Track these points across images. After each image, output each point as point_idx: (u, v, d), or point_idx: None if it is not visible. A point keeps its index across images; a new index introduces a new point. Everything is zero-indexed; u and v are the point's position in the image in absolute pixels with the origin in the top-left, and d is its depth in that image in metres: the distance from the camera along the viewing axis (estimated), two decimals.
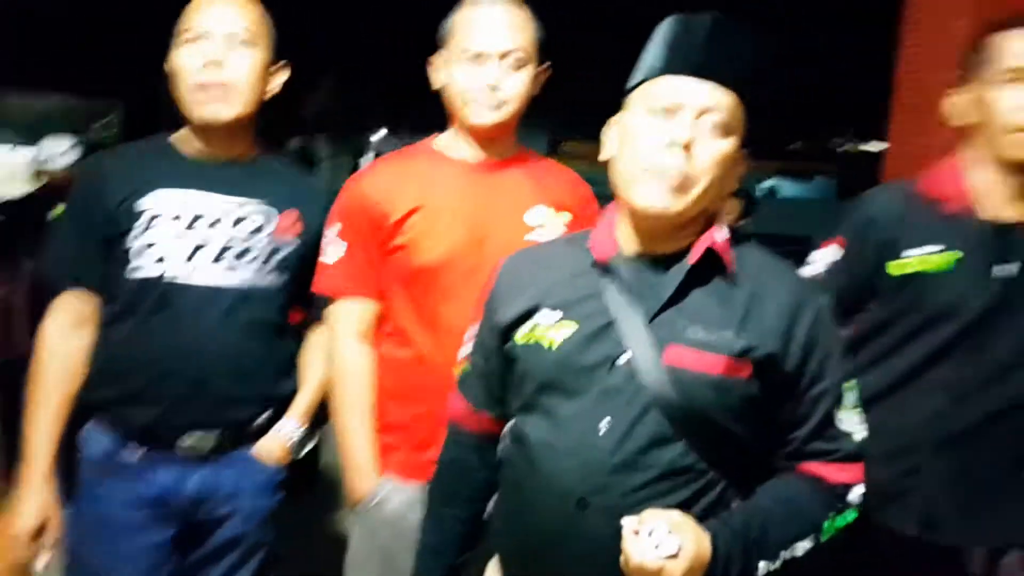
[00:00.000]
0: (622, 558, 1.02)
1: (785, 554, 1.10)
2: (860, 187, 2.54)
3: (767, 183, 13.15)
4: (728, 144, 1.13)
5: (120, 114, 10.35)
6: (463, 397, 1.34)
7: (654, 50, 1.16)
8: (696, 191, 1.11)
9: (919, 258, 1.47)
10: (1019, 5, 2.28)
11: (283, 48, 1.65)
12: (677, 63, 1.12)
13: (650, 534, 1.00)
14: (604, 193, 1.31)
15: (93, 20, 9.72)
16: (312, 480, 1.85)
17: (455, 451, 1.36)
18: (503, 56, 1.53)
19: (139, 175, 1.55)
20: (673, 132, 1.10)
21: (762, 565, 1.09)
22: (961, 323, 1.44)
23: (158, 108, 1.71)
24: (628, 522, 1.03)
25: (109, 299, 1.56)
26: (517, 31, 1.54)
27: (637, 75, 1.18)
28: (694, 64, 1.11)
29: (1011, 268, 1.46)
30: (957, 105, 1.57)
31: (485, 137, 1.60)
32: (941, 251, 1.45)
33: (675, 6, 1.23)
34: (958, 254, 1.45)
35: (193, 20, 1.54)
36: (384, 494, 1.55)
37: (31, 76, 9.85)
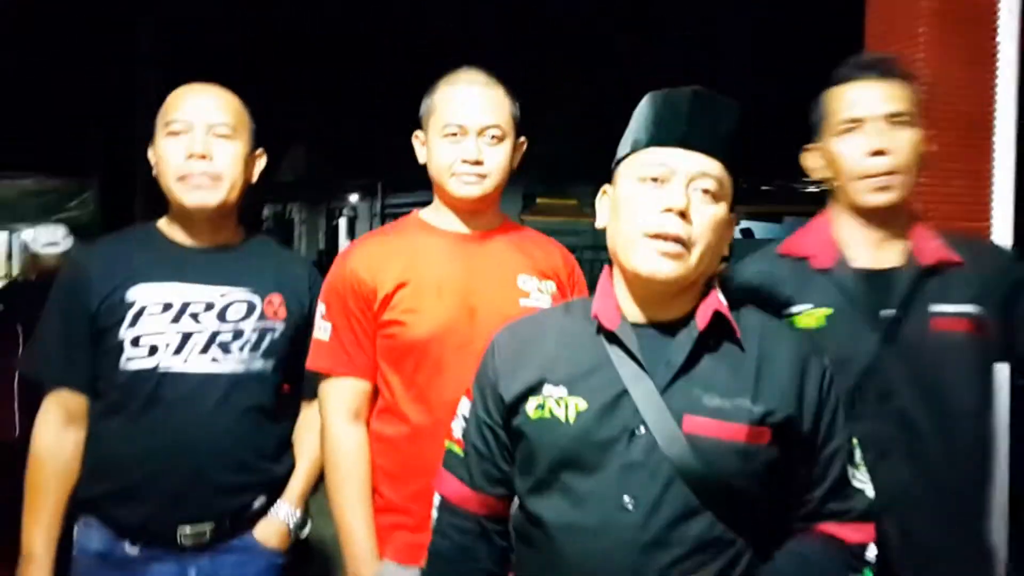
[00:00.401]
0: None
1: None
2: None
3: (741, 224, 13.40)
4: (720, 209, 1.15)
5: (95, 192, 10.33)
6: (459, 479, 1.28)
7: (639, 124, 1.19)
8: (695, 256, 1.13)
9: (797, 317, 1.48)
10: (966, 41, 2.41)
11: (255, 117, 1.68)
12: (663, 135, 1.15)
13: None
14: (578, 244, 1.33)
15: (64, 99, 9.82)
16: (306, 556, 1.80)
17: (455, 537, 1.27)
18: (482, 131, 1.57)
19: (123, 268, 1.56)
20: (669, 199, 1.12)
21: None
22: (854, 375, 1.41)
23: (133, 185, 1.71)
24: None
25: (100, 394, 1.55)
26: (495, 108, 1.59)
27: (623, 147, 1.20)
28: (680, 135, 1.14)
29: (889, 313, 1.46)
30: (811, 161, 1.63)
31: (469, 210, 1.63)
32: (811, 309, 1.48)
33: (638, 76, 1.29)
34: (828, 310, 1.46)
35: (175, 112, 1.58)
36: None
37: (2, 157, 9.86)
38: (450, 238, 1.63)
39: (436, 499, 1.31)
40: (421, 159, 1.65)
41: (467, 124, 1.56)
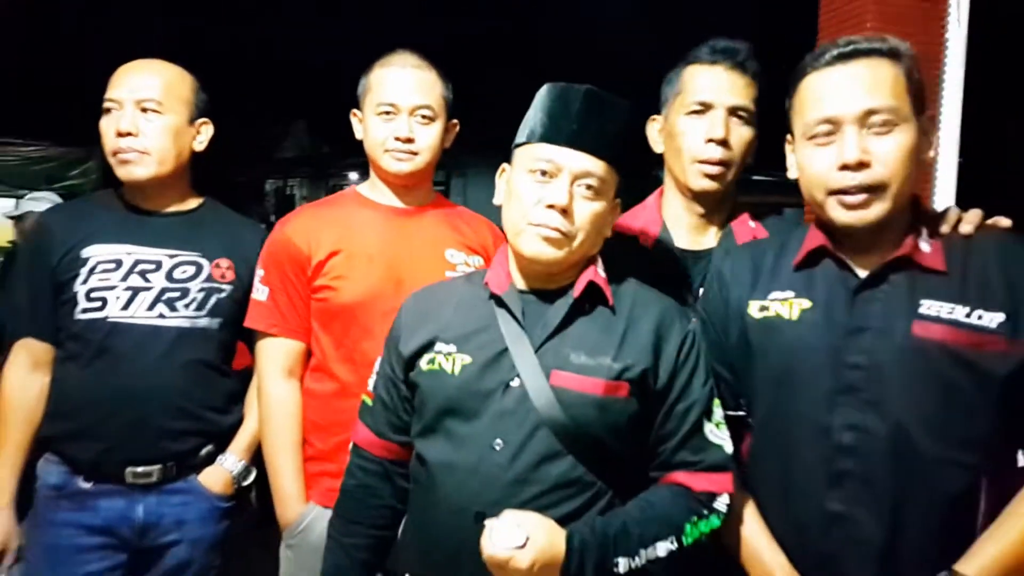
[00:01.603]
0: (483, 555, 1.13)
1: (646, 552, 1.20)
2: None
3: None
4: (601, 204, 1.29)
5: (98, 161, 10.43)
6: (367, 426, 1.42)
7: (534, 116, 1.31)
8: (576, 243, 1.27)
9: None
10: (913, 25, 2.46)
11: (259, 95, 1.79)
12: (553, 133, 1.27)
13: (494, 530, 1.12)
14: None
15: (67, 68, 9.88)
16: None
17: (360, 476, 1.42)
18: (413, 111, 1.69)
19: (83, 228, 1.70)
20: (552, 195, 1.25)
21: (622, 561, 1.18)
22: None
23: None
24: (488, 522, 1.14)
25: (60, 342, 1.69)
26: (426, 89, 1.71)
27: (521, 134, 1.32)
28: (569, 135, 1.26)
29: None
30: (652, 132, 1.66)
31: (401, 185, 1.75)
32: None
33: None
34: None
35: (111, 90, 1.71)
36: (309, 520, 1.65)
37: (6, 126, 9.94)
38: (383, 211, 1.75)
39: (352, 447, 1.46)
40: (358, 135, 1.77)
41: (399, 103, 1.68)
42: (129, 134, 1.67)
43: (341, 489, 1.45)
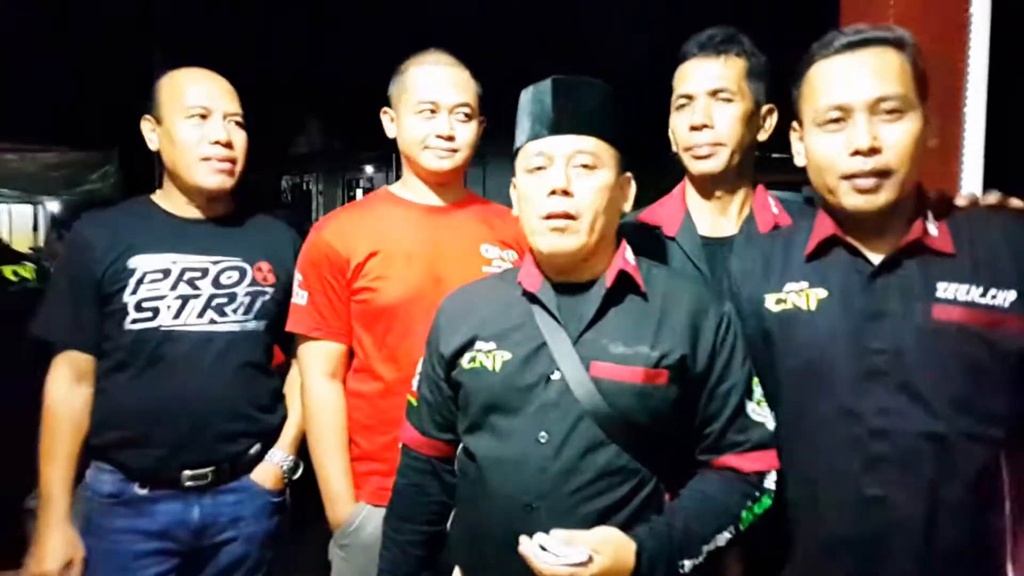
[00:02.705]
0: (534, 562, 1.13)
1: (708, 548, 1.22)
2: None
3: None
4: (602, 176, 1.30)
5: (116, 165, 10.50)
6: (413, 426, 1.46)
7: (519, 121, 1.36)
8: (586, 223, 1.28)
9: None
10: (937, 16, 2.43)
11: (274, 92, 1.81)
12: (537, 129, 1.31)
13: (544, 548, 1.12)
14: None
15: (85, 72, 9.95)
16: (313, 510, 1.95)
17: (411, 475, 1.46)
18: (453, 109, 1.70)
19: (125, 238, 1.72)
20: (550, 181, 1.28)
21: (687, 564, 1.21)
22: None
23: (153, 157, 1.86)
24: (532, 540, 1.14)
25: (106, 352, 1.71)
26: (465, 87, 1.73)
27: (515, 142, 1.36)
28: (549, 124, 1.30)
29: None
30: (670, 133, 1.69)
31: (439, 182, 1.77)
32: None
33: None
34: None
35: (193, 97, 1.73)
36: (360, 520, 1.68)
37: (27, 131, 10.04)
38: (418, 210, 1.76)
39: (401, 447, 1.49)
40: (390, 134, 1.79)
41: (440, 101, 1.70)
42: (228, 144, 1.73)
43: (393, 489, 1.48)
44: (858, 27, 1.29)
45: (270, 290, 1.79)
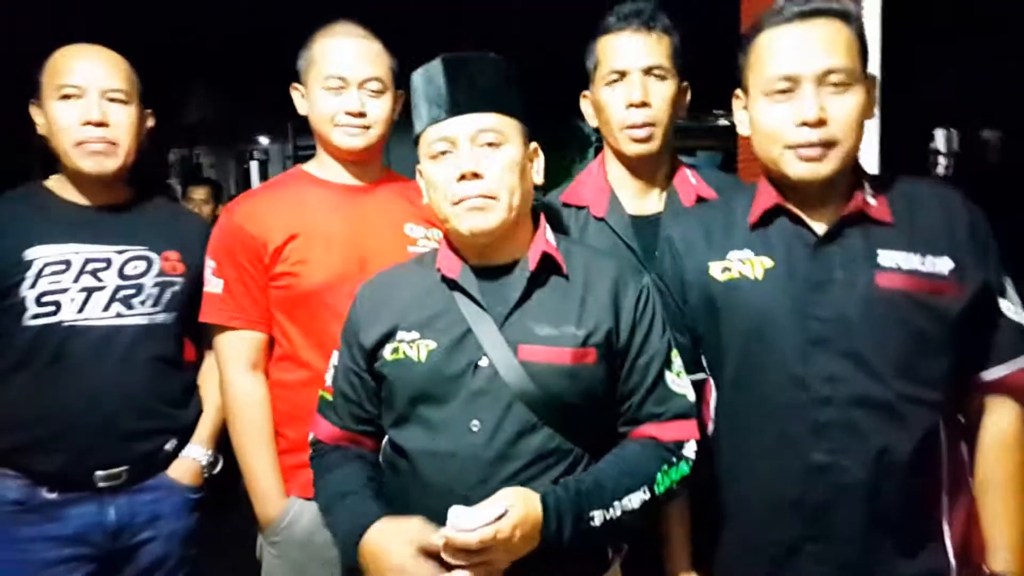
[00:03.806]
0: (454, 540, 1.11)
1: (621, 504, 1.23)
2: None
3: None
4: (508, 152, 1.28)
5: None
6: (330, 421, 1.40)
7: (415, 104, 1.32)
8: (503, 201, 1.26)
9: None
10: None
11: (156, 58, 1.68)
12: (435, 112, 1.28)
13: (458, 515, 1.11)
14: None
15: None
16: (230, 501, 1.88)
17: (331, 455, 1.39)
18: (363, 84, 1.63)
19: (19, 228, 1.60)
20: (458, 165, 1.25)
21: (597, 514, 1.21)
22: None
23: (31, 145, 1.72)
24: (449, 522, 1.12)
25: (2, 351, 1.59)
26: (375, 60, 1.66)
27: (415, 128, 1.32)
28: (447, 107, 1.27)
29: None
30: (585, 107, 1.70)
31: (354, 160, 1.70)
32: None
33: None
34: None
35: (68, 75, 1.61)
36: (292, 515, 1.63)
37: None
38: (337, 190, 1.70)
39: (310, 439, 1.43)
40: (301, 111, 1.72)
41: (348, 76, 1.63)
42: (101, 124, 1.60)
43: (316, 475, 1.40)
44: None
45: (179, 280, 1.71)
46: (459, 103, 1.26)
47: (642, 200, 1.67)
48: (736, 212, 1.41)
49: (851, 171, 1.33)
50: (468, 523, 1.09)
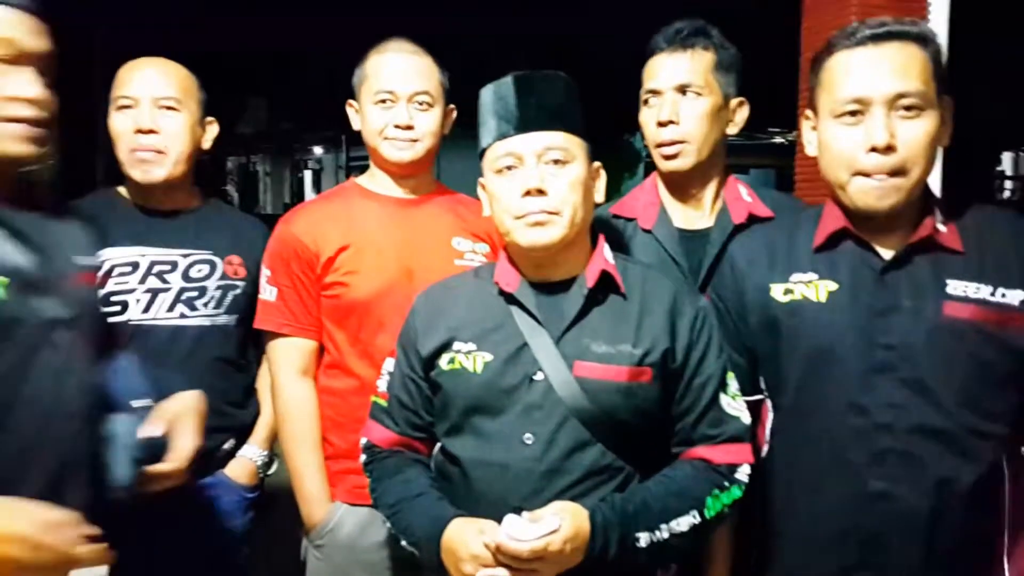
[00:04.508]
0: (506, 547, 1.11)
1: (668, 526, 1.22)
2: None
3: None
4: (573, 170, 1.29)
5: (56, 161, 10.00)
6: (385, 426, 1.41)
7: (482, 120, 1.34)
8: (565, 218, 1.27)
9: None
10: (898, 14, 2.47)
11: (220, 72, 1.71)
12: (503, 128, 1.30)
13: (512, 524, 1.12)
14: None
15: None
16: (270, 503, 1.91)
17: (390, 459, 1.38)
18: (411, 97, 1.67)
19: None
20: (523, 181, 1.26)
21: (643, 535, 1.20)
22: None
23: (94, 157, 1.77)
24: (500, 529, 1.13)
25: None
26: (424, 75, 1.69)
27: (480, 143, 1.34)
28: (515, 123, 1.28)
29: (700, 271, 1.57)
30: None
31: (402, 174, 1.73)
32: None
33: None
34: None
35: (123, 87, 1.67)
36: (337, 519, 1.65)
37: None
38: (387, 202, 1.73)
39: (363, 443, 1.44)
40: (355, 126, 1.75)
41: (397, 90, 1.66)
42: (152, 131, 1.65)
43: (373, 479, 1.40)
44: (883, 19, 1.26)
45: (241, 284, 1.75)
46: (528, 120, 1.28)
47: (691, 215, 1.66)
48: (801, 233, 1.38)
49: (921, 196, 1.30)
50: (522, 533, 1.11)
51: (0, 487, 1.01)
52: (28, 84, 1.12)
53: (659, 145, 1.61)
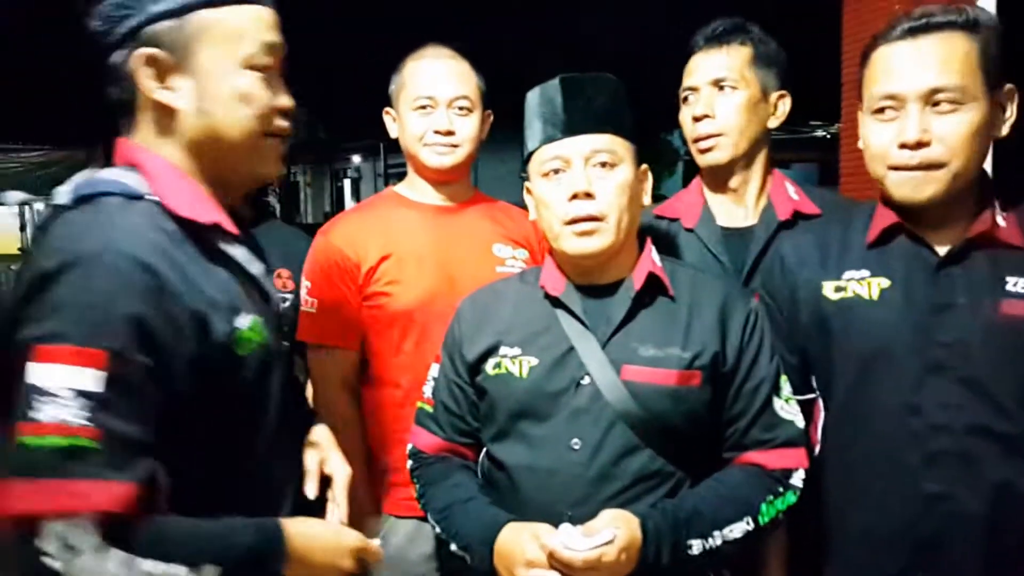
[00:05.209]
0: (560, 555, 1.10)
1: (721, 533, 1.19)
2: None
3: None
4: (621, 172, 1.27)
5: (101, 163, 10.33)
6: (431, 432, 1.39)
7: (529, 123, 1.32)
8: (612, 223, 1.25)
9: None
10: None
11: None
12: (549, 131, 1.28)
13: (569, 533, 1.11)
14: None
15: (66, 71, 9.77)
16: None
17: (437, 465, 1.37)
18: (451, 103, 1.65)
19: None
20: (571, 185, 1.25)
21: (695, 543, 1.18)
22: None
23: None
24: (555, 539, 1.11)
25: None
26: (463, 80, 1.67)
27: (527, 145, 1.33)
28: (562, 126, 1.27)
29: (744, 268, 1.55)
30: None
31: (442, 180, 1.71)
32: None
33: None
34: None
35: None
36: (385, 531, 1.64)
37: (7, 130, 9.86)
38: (427, 210, 1.72)
39: (409, 450, 1.42)
40: (393, 134, 1.74)
41: (437, 95, 1.64)
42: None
43: (422, 484, 1.38)
44: (926, 9, 1.23)
45: (290, 296, 1.76)
46: (575, 123, 1.26)
47: (735, 213, 1.64)
48: (854, 230, 1.35)
49: (979, 190, 1.26)
50: (578, 543, 1.10)
51: (263, 508, 1.04)
52: (287, 94, 1.08)
53: (696, 140, 1.61)
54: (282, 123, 1.08)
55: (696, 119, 1.60)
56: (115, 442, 0.86)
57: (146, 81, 1.00)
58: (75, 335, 0.86)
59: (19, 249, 11.10)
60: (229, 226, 1.06)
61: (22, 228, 12.06)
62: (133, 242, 0.92)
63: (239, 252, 1.08)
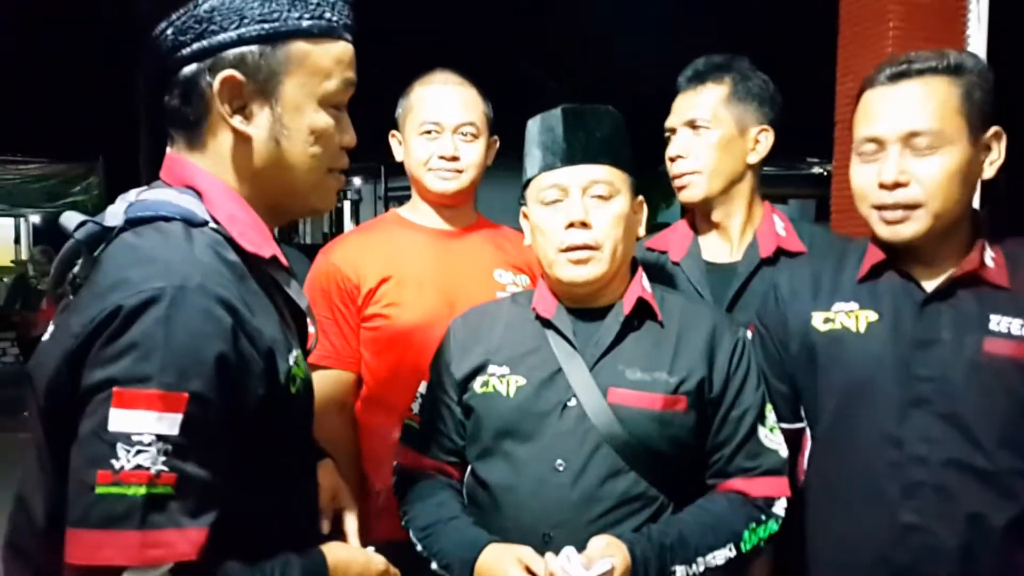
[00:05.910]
0: None
1: (705, 560, 1.21)
2: None
3: None
4: (618, 204, 1.30)
5: (100, 176, 10.39)
6: (415, 450, 1.40)
7: (528, 151, 1.35)
8: (607, 252, 1.28)
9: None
10: (934, 24, 2.45)
11: None
12: (549, 160, 1.31)
13: (570, 559, 1.12)
14: None
15: (66, 83, 9.85)
16: None
17: (422, 482, 1.37)
18: (457, 129, 1.67)
19: None
20: (568, 214, 1.27)
21: (679, 570, 1.19)
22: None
23: (137, 168, 1.78)
24: (557, 562, 1.12)
25: None
26: (469, 106, 1.69)
27: (524, 174, 1.36)
28: (562, 156, 1.30)
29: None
30: None
31: (446, 205, 1.73)
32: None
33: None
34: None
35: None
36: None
37: (7, 143, 9.90)
38: (429, 234, 1.73)
39: (394, 466, 1.43)
40: (398, 157, 1.76)
41: (443, 121, 1.67)
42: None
43: (404, 502, 1.39)
44: (911, 55, 1.28)
45: None
46: (575, 153, 1.29)
47: (720, 248, 1.67)
48: (848, 264, 1.39)
49: (969, 228, 1.30)
50: (577, 571, 1.10)
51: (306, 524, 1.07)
52: (352, 132, 1.05)
53: (673, 178, 1.66)
54: (345, 160, 1.06)
55: (671, 159, 1.66)
56: (192, 487, 0.83)
57: (224, 105, 0.94)
58: (162, 378, 0.81)
59: (12, 261, 11.10)
60: (283, 259, 1.03)
61: (16, 240, 12.07)
62: (212, 277, 0.88)
63: (292, 286, 1.07)
